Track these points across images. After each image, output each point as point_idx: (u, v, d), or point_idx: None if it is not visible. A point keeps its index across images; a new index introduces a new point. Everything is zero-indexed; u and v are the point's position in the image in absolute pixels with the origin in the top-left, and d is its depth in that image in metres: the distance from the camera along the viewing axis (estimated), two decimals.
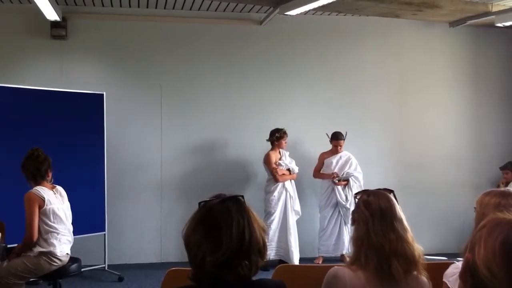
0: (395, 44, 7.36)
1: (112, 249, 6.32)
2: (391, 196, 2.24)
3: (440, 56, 7.51)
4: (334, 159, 6.67)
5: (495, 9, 6.22)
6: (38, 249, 4.03)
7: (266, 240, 1.69)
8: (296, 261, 6.33)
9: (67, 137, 5.73)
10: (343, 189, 6.63)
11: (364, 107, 7.21)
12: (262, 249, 1.64)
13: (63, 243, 4.15)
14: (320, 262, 6.63)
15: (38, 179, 4.10)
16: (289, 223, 6.41)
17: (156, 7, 6.62)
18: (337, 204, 6.64)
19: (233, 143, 6.90)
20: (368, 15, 6.65)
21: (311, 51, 7.11)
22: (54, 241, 4.07)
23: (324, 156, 6.75)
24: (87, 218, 5.71)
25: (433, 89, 7.45)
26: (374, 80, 7.26)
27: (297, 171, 6.55)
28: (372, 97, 7.23)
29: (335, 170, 6.63)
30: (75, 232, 4.40)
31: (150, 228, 6.70)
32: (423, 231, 6.78)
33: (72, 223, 4.32)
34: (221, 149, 6.90)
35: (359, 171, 6.71)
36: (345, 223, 6.59)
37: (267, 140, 6.48)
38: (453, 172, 7.41)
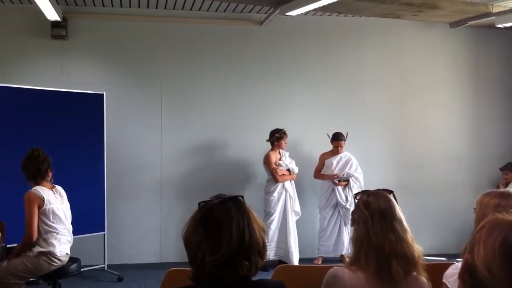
0: (396, 44, 7.36)
1: (111, 249, 6.32)
2: (391, 196, 2.24)
3: (441, 57, 7.51)
4: (335, 160, 6.67)
5: (495, 10, 6.22)
6: (37, 249, 4.03)
7: (266, 241, 1.69)
8: (295, 261, 6.33)
9: (67, 137, 5.73)
10: (343, 189, 6.63)
11: (364, 108, 7.21)
12: (262, 249, 1.64)
13: (62, 243, 4.15)
14: (320, 262, 6.63)
15: (38, 179, 4.10)
16: (288, 224, 6.41)
17: (156, 7, 6.62)
18: (337, 205, 6.64)
19: (233, 144, 6.90)
20: (369, 15, 6.65)
21: (311, 51, 7.11)
22: (54, 241, 4.07)
23: (324, 157, 6.76)
24: (87, 218, 5.71)
25: (434, 90, 7.46)
26: (374, 80, 7.26)
27: (297, 171, 6.55)
28: (373, 98, 7.24)
29: (336, 171, 6.63)
30: (74, 232, 4.40)
31: (150, 228, 6.70)
32: (423, 232, 6.78)
33: (71, 223, 4.32)
34: (221, 150, 6.90)
35: (360, 171, 6.72)
36: (345, 224, 6.59)
37: (267, 141, 6.48)
38: (453, 172, 7.41)
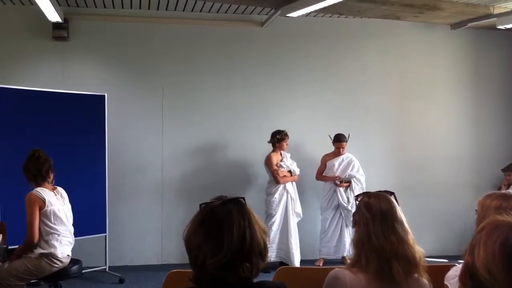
0: (397, 46, 7.36)
1: (113, 251, 6.31)
2: (392, 198, 2.24)
3: (442, 58, 7.51)
4: (337, 161, 6.67)
5: (496, 11, 6.22)
6: (39, 250, 4.03)
7: (267, 242, 1.69)
8: (297, 263, 6.33)
9: (68, 138, 5.73)
10: (345, 191, 6.63)
11: (365, 109, 7.21)
12: (263, 251, 1.64)
13: (64, 245, 4.15)
14: (321, 264, 6.62)
15: (39, 180, 4.10)
16: (290, 225, 6.41)
17: (157, 9, 6.63)
18: (338, 206, 6.64)
19: (234, 145, 6.90)
20: (370, 17, 6.65)
21: (312, 53, 7.11)
22: (55, 243, 4.07)
23: (326, 158, 6.76)
24: (88, 219, 5.71)
25: (434, 91, 7.45)
26: (375, 82, 7.26)
27: (298, 172, 6.55)
28: (374, 99, 7.23)
29: (338, 172, 6.63)
30: (76, 234, 4.40)
31: (151, 229, 6.70)
32: (424, 233, 6.77)
33: (73, 225, 4.32)
34: (222, 151, 6.90)
35: (362, 173, 6.71)
36: (347, 225, 6.58)
37: (268, 142, 6.48)
38: (454, 173, 7.40)
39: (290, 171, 6.49)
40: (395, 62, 7.35)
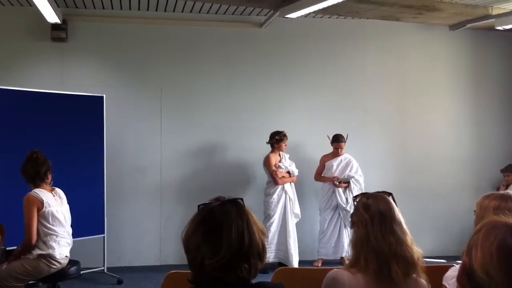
0: (396, 47, 7.37)
1: (111, 252, 6.31)
2: (390, 199, 2.24)
3: (441, 59, 7.52)
4: (335, 162, 6.67)
5: (495, 12, 6.22)
6: (37, 251, 4.02)
7: (266, 243, 1.69)
8: (295, 263, 6.33)
9: (67, 139, 5.72)
10: (344, 191, 6.63)
11: (364, 110, 7.21)
12: (261, 252, 1.64)
13: (62, 246, 4.15)
14: (320, 264, 6.63)
15: (37, 182, 4.10)
16: (288, 226, 6.40)
17: (156, 10, 6.63)
18: (337, 207, 6.64)
19: (233, 146, 6.90)
20: (369, 18, 6.65)
21: (311, 54, 7.11)
22: (53, 244, 4.07)
23: (325, 159, 6.76)
24: (87, 220, 5.71)
25: (434, 92, 7.46)
26: (374, 82, 7.26)
27: (297, 173, 6.55)
28: (373, 100, 7.24)
29: (336, 173, 6.63)
30: (74, 235, 4.39)
31: (149, 230, 6.70)
32: (423, 234, 6.78)
33: (71, 226, 4.32)
34: (221, 152, 6.90)
35: (360, 174, 6.71)
36: (345, 226, 6.58)
37: (267, 143, 6.48)
38: (453, 174, 7.41)
39: (288, 172, 6.49)
40: (394, 63, 7.35)
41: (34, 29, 6.40)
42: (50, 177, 4.19)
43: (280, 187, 6.40)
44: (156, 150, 6.73)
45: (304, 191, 6.90)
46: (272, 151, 6.49)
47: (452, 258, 6.36)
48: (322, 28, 7.13)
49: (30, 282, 4.24)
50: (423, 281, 2.14)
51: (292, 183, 6.54)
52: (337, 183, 6.59)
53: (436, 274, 2.42)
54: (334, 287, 2.10)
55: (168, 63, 6.77)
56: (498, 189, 6.73)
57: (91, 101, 6.03)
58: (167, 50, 6.78)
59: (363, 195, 2.29)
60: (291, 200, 6.46)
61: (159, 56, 6.76)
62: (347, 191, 6.63)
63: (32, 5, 5.59)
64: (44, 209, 4.02)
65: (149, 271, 6.41)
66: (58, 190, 4.26)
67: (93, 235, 5.96)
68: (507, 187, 6.68)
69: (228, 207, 1.65)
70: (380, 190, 2.39)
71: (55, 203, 4.14)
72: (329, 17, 7.01)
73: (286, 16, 5.84)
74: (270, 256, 6.28)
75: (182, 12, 6.70)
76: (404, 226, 2.16)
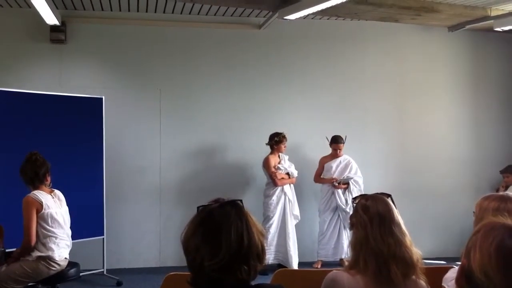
0: (395, 48, 7.37)
1: (110, 254, 6.30)
2: (389, 200, 2.24)
3: (440, 60, 7.52)
4: (334, 163, 6.67)
5: (493, 13, 6.23)
6: (36, 253, 4.02)
7: (265, 245, 1.68)
8: (295, 265, 6.32)
9: (66, 141, 5.72)
10: (343, 193, 6.63)
11: (364, 111, 7.22)
12: (260, 253, 1.64)
13: (61, 248, 4.14)
14: (319, 266, 6.63)
15: (36, 183, 4.10)
16: (288, 227, 6.40)
17: (155, 11, 6.63)
18: (336, 208, 6.64)
19: (233, 147, 6.90)
20: (367, 19, 6.66)
21: (310, 55, 7.12)
22: (53, 246, 4.07)
23: (324, 160, 6.76)
24: (86, 222, 5.71)
25: (433, 93, 7.46)
26: (374, 84, 7.26)
27: (296, 175, 6.54)
28: (372, 101, 7.24)
29: (335, 174, 6.63)
30: (73, 237, 4.39)
31: (149, 232, 6.69)
32: (422, 235, 6.78)
33: (70, 227, 4.32)
34: (221, 153, 6.90)
35: (359, 175, 6.71)
36: (345, 227, 6.58)
37: (266, 144, 6.48)
38: (453, 175, 7.41)
39: (288, 173, 6.48)
40: (393, 64, 7.36)
41: (33, 31, 6.40)
42: (49, 178, 4.19)
43: (279, 188, 6.39)
44: (156, 151, 6.73)
45: (303, 192, 6.90)
46: (271, 153, 6.49)
47: (451, 259, 6.36)
48: (321, 29, 7.13)
49: (30, 284, 4.24)
50: (423, 282, 2.14)
51: (292, 185, 6.54)
52: (336, 184, 6.59)
53: (435, 275, 2.42)
54: None
55: (167, 65, 6.77)
56: (497, 190, 6.74)
57: (90, 102, 6.03)
58: (166, 52, 6.78)
59: (362, 196, 2.29)
60: (291, 202, 6.46)
61: (158, 58, 6.76)
62: (347, 192, 6.62)
63: (31, 7, 5.60)
64: (43, 211, 4.02)
65: (148, 272, 6.41)
66: (57, 192, 4.26)
67: (93, 237, 5.96)
68: (506, 188, 6.69)
69: (227, 208, 1.65)
70: (379, 190, 2.39)
71: (54, 205, 4.13)
72: (328, 19, 7.01)
73: (285, 17, 5.85)
74: (270, 257, 6.27)
75: (181, 13, 6.70)
76: (403, 227, 2.16)
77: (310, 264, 6.70)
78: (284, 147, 6.50)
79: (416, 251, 2.12)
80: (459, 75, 7.55)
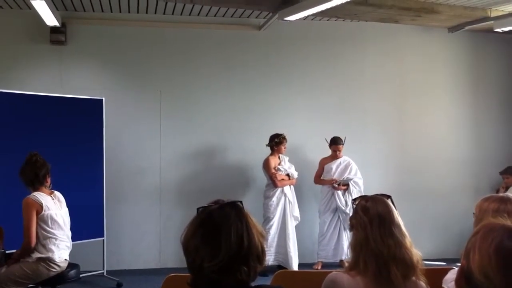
0: (395, 49, 7.37)
1: (110, 255, 6.30)
2: (389, 201, 2.24)
3: (440, 61, 7.53)
4: (334, 165, 6.67)
5: (493, 14, 6.23)
6: (36, 255, 4.02)
7: (265, 246, 1.68)
8: (295, 266, 6.32)
9: (66, 142, 5.72)
10: (343, 194, 6.63)
11: (364, 112, 7.22)
12: (260, 254, 1.64)
13: (61, 249, 4.14)
14: (319, 267, 6.62)
15: (36, 185, 4.10)
16: (288, 229, 6.40)
17: (155, 13, 6.63)
18: (336, 209, 6.63)
19: (233, 148, 6.90)
20: (367, 20, 6.66)
21: (310, 56, 7.12)
22: (53, 247, 4.07)
23: (324, 162, 6.75)
24: (86, 223, 5.71)
25: (433, 94, 7.47)
26: (374, 84, 7.27)
27: (296, 176, 6.54)
28: (372, 102, 7.24)
29: (335, 176, 6.62)
30: (73, 238, 4.39)
31: (149, 233, 6.69)
32: (422, 236, 6.78)
33: (70, 229, 4.32)
34: (221, 154, 6.90)
35: (359, 176, 6.71)
36: (345, 229, 6.57)
37: (266, 145, 6.48)
38: (453, 176, 7.41)
39: (288, 175, 6.48)
40: (393, 65, 7.36)
41: (33, 32, 6.40)
42: (49, 180, 4.19)
43: (279, 189, 6.39)
44: (156, 152, 6.73)
45: (303, 193, 6.90)
46: (271, 154, 6.48)
47: (451, 261, 6.36)
48: (321, 30, 7.14)
49: (30, 285, 4.24)
50: (423, 283, 2.14)
51: (292, 186, 6.53)
52: (336, 186, 6.59)
53: (435, 276, 2.42)
54: None
55: (167, 66, 6.77)
56: (497, 191, 6.73)
57: (91, 104, 6.03)
58: (166, 53, 6.79)
59: (362, 198, 2.29)
60: (291, 203, 6.45)
61: (158, 59, 6.77)
62: (346, 193, 6.62)
63: (31, 8, 5.60)
64: (43, 212, 4.02)
65: (148, 274, 6.41)
66: (57, 193, 4.26)
67: (93, 238, 5.96)
68: (506, 189, 6.68)
69: (227, 210, 1.65)
70: (379, 191, 2.39)
71: (54, 206, 4.13)
72: (327, 20, 7.02)
73: (285, 18, 5.85)
74: (270, 259, 6.27)
75: (181, 14, 6.70)
76: (403, 228, 2.16)
77: (310, 265, 6.70)
78: (284, 148, 6.49)
79: (416, 252, 2.12)
80: (459, 76, 7.55)
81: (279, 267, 6.22)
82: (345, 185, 6.63)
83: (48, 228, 4.06)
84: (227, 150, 6.90)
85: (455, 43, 7.49)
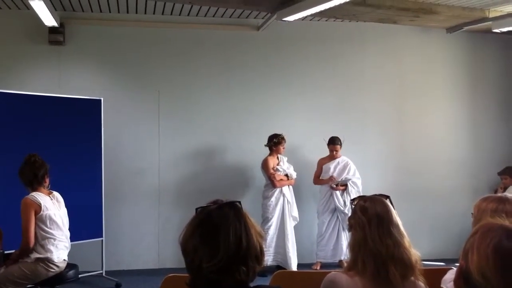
0: (393, 49, 7.38)
1: (109, 255, 6.30)
2: (387, 201, 2.24)
3: (438, 61, 7.53)
4: (332, 165, 6.67)
5: (492, 15, 6.24)
6: (35, 255, 4.02)
7: (263, 246, 1.69)
8: (294, 267, 6.32)
9: (65, 142, 5.72)
10: (342, 194, 6.63)
11: (363, 112, 7.22)
12: (259, 254, 1.64)
13: (60, 249, 4.14)
14: (318, 267, 6.62)
15: (35, 185, 4.10)
16: (286, 229, 6.40)
17: (154, 13, 6.63)
18: (335, 210, 6.64)
19: (232, 148, 6.90)
20: (366, 21, 6.66)
21: (310, 56, 7.12)
22: (51, 247, 4.06)
23: (322, 162, 6.76)
24: (85, 224, 5.70)
25: (431, 94, 7.47)
26: (373, 85, 7.27)
27: (295, 176, 6.54)
28: (371, 102, 7.25)
29: (334, 175, 6.61)
30: (72, 238, 4.39)
31: (147, 234, 6.69)
32: (421, 236, 6.79)
33: (69, 229, 4.31)
34: (219, 155, 6.90)
35: (358, 176, 6.71)
36: (343, 229, 6.57)
37: (265, 146, 6.48)
38: (452, 176, 7.41)
39: (286, 175, 6.48)
40: (392, 66, 7.36)
41: (31, 33, 6.40)
42: (47, 180, 4.19)
43: (278, 190, 6.39)
44: (154, 153, 6.72)
45: (302, 194, 6.90)
46: (270, 154, 6.49)
47: (450, 261, 6.36)
48: (320, 31, 7.14)
49: (28, 286, 4.24)
50: (421, 283, 2.14)
51: (290, 186, 6.53)
52: (334, 186, 6.59)
53: (434, 276, 2.42)
54: None
55: (166, 66, 6.77)
56: (496, 191, 6.73)
57: (89, 104, 6.03)
58: (165, 53, 6.78)
59: (360, 198, 2.30)
60: (289, 203, 6.45)
61: (157, 59, 6.76)
62: (345, 194, 6.62)
63: (30, 9, 5.59)
64: (41, 212, 4.02)
65: (147, 274, 6.40)
66: (55, 193, 4.26)
67: (91, 239, 5.95)
68: (505, 189, 6.69)
69: (226, 210, 1.65)
70: (378, 192, 2.40)
71: (53, 207, 4.13)
72: (326, 20, 7.02)
73: (283, 19, 5.85)
74: (268, 259, 6.27)
75: (179, 15, 6.70)
76: (402, 228, 2.16)
77: (309, 265, 6.70)
78: (283, 148, 6.50)
79: (415, 252, 2.12)
80: (458, 77, 7.56)
81: (278, 267, 6.22)
82: (343, 185, 6.63)
83: (46, 229, 4.05)
84: (226, 151, 6.90)
85: (453, 44, 7.49)
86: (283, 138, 6.45)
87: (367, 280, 2.06)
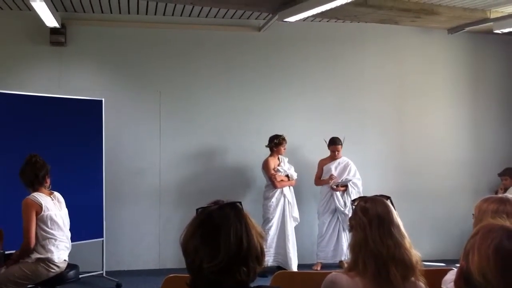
0: (394, 50, 7.38)
1: (110, 256, 6.30)
2: (388, 202, 2.24)
3: (439, 62, 7.53)
4: (333, 165, 6.67)
5: (493, 15, 6.24)
6: (35, 255, 4.02)
7: (264, 247, 1.69)
8: (294, 267, 6.32)
9: (66, 143, 5.73)
10: (342, 195, 6.63)
11: (363, 113, 7.22)
12: (259, 255, 1.64)
13: (61, 250, 4.15)
14: (319, 268, 6.62)
15: (36, 186, 4.10)
16: (287, 230, 6.40)
17: (155, 14, 6.64)
18: (335, 210, 6.63)
19: (233, 149, 6.90)
20: (367, 21, 6.66)
21: (310, 57, 7.12)
22: (52, 248, 4.07)
23: (323, 163, 6.76)
24: (85, 224, 5.71)
25: (432, 95, 7.47)
26: (373, 85, 7.27)
27: (296, 177, 6.54)
28: (372, 103, 7.25)
29: (335, 175, 6.61)
30: (73, 239, 4.39)
31: (148, 234, 6.69)
32: (422, 237, 6.78)
33: (70, 230, 4.32)
34: (220, 155, 6.90)
35: (358, 177, 6.71)
36: (344, 229, 6.57)
37: (266, 146, 6.48)
38: (452, 176, 7.41)
39: (287, 176, 6.48)
40: (392, 66, 7.36)
41: (33, 33, 6.41)
42: (48, 181, 4.20)
43: (278, 190, 6.39)
44: (155, 153, 6.73)
45: (303, 194, 6.90)
46: (271, 155, 6.49)
47: (451, 261, 6.36)
48: (321, 31, 7.14)
49: (29, 286, 4.24)
50: (422, 284, 2.14)
51: (291, 187, 6.53)
52: (335, 187, 6.58)
53: (435, 277, 2.42)
54: None
55: (167, 67, 6.78)
56: (496, 192, 6.73)
57: (90, 105, 6.03)
58: (166, 54, 6.79)
59: (361, 198, 2.29)
60: (290, 204, 6.45)
61: (158, 60, 6.77)
62: (345, 194, 6.62)
63: (31, 10, 5.61)
64: (42, 213, 4.02)
65: (148, 274, 6.40)
66: (56, 194, 4.26)
67: (92, 239, 5.95)
68: (505, 190, 6.68)
69: (226, 210, 1.65)
70: (379, 192, 2.40)
71: (54, 207, 4.14)
72: (327, 21, 7.02)
73: (284, 19, 5.85)
74: (269, 260, 6.26)
75: (180, 16, 6.71)
76: (403, 229, 2.16)
77: (310, 266, 6.70)
78: (284, 149, 6.50)
79: (416, 253, 2.12)
80: (459, 77, 7.56)
81: (279, 268, 6.22)
82: (343, 186, 6.63)
83: (47, 229, 4.06)
84: (227, 151, 6.90)
85: (454, 45, 7.49)
86: (284, 139, 6.45)
87: (368, 281, 2.06)
